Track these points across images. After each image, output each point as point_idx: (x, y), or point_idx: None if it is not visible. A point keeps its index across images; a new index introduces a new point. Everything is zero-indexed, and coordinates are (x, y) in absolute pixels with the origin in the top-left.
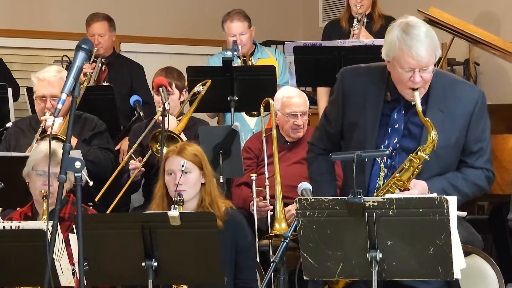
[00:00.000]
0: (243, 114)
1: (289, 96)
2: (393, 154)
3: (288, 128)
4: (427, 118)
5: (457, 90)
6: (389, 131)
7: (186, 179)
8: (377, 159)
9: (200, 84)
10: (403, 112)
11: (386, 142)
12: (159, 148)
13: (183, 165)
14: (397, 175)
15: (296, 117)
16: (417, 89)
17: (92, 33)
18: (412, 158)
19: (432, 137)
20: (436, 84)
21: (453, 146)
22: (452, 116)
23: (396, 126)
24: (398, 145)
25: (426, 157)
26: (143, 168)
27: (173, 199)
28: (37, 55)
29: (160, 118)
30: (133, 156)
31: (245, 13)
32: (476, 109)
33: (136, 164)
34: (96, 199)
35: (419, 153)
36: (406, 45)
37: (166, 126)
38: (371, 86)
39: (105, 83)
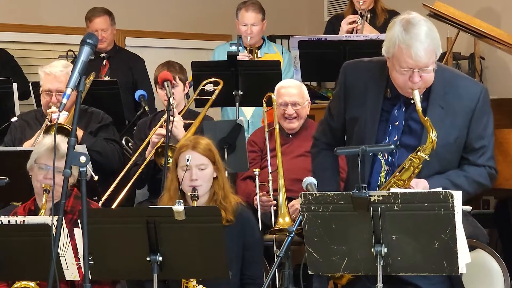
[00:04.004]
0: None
1: (283, 86)
2: (393, 151)
3: (281, 118)
4: (427, 118)
5: (459, 86)
6: (390, 128)
7: (202, 174)
8: (378, 155)
9: (210, 82)
10: (403, 109)
11: (387, 139)
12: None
13: (188, 160)
14: (398, 174)
15: (286, 106)
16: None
17: (94, 28)
18: (412, 158)
19: (431, 137)
20: (438, 79)
21: (453, 144)
22: (453, 113)
23: (397, 123)
24: (398, 142)
25: (426, 157)
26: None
27: (189, 194)
28: (42, 50)
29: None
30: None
31: (261, 5)
32: (478, 106)
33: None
34: (102, 199)
35: (419, 153)
36: (405, 44)
37: (171, 126)
38: (371, 82)
39: (107, 78)
